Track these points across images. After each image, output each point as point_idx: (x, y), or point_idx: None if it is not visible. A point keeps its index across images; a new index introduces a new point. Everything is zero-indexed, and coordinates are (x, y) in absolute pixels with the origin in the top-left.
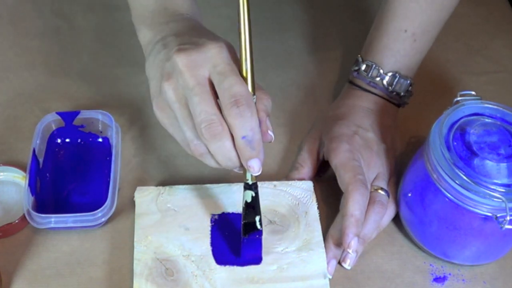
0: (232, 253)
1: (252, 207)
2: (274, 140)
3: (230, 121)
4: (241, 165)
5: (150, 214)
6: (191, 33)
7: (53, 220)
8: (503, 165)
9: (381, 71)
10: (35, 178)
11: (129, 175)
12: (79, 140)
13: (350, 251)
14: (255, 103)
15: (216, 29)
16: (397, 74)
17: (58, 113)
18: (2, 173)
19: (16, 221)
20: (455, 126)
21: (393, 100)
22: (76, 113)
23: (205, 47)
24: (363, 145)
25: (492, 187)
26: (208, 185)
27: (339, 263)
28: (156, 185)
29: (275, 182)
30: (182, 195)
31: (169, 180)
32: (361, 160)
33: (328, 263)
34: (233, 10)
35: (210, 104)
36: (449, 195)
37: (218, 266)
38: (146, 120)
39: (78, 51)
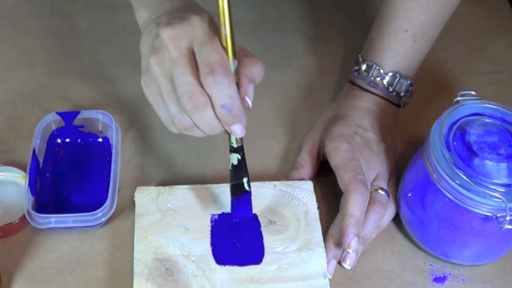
0: (232, 253)
1: (239, 169)
2: (273, 141)
3: (208, 90)
4: (226, 131)
5: (150, 214)
6: (184, 10)
7: (53, 220)
8: (503, 165)
9: (382, 71)
10: (35, 178)
11: (129, 175)
12: (79, 140)
13: (350, 251)
14: (237, 68)
15: None
16: (397, 74)
17: (58, 113)
18: (2, 173)
19: (16, 221)
20: (455, 126)
21: (393, 100)
22: (76, 113)
23: (189, 20)
24: (363, 145)
25: (492, 187)
26: (208, 185)
27: (339, 263)
28: (156, 185)
29: (275, 182)
30: (182, 195)
31: (169, 180)
32: (361, 160)
33: (328, 263)
34: (233, 11)
35: (191, 75)
36: (449, 195)
37: (218, 266)
38: (146, 120)
39: (78, 51)
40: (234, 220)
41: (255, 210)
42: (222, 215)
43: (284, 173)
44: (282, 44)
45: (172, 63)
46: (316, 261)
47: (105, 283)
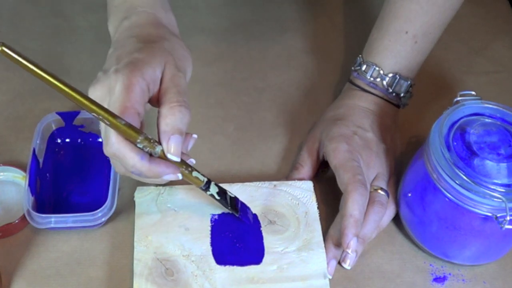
0: (232, 253)
1: (224, 199)
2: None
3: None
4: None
5: (150, 214)
6: (133, 43)
7: (53, 220)
8: (503, 165)
9: (382, 72)
10: (35, 178)
11: None
12: (79, 140)
13: (349, 251)
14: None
15: (216, 29)
16: (397, 75)
17: (58, 113)
18: (2, 173)
19: (16, 221)
20: (455, 126)
21: (393, 101)
22: (76, 113)
23: (109, 83)
24: (363, 146)
25: (492, 187)
26: None
27: (339, 263)
28: (156, 185)
29: (275, 182)
30: (182, 195)
31: None
32: (361, 160)
33: (328, 263)
34: (233, 11)
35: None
36: (449, 195)
37: (218, 266)
38: (145, 120)
39: (78, 51)
40: (235, 220)
41: (255, 210)
42: (222, 215)
43: (284, 173)
44: (282, 44)
45: (100, 126)
46: (316, 261)
47: (105, 283)
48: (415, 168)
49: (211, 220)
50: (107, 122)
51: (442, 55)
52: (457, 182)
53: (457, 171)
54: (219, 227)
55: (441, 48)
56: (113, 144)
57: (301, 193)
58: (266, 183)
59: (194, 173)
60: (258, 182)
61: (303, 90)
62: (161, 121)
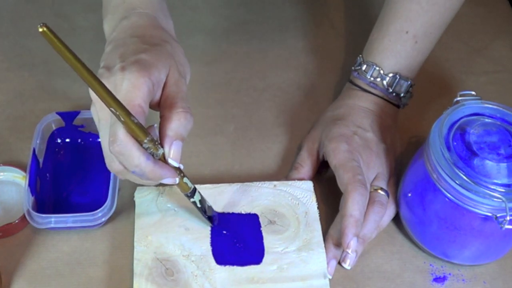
0: (232, 253)
1: (202, 204)
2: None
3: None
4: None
5: (150, 214)
6: (136, 42)
7: (53, 220)
8: (503, 165)
9: (382, 72)
10: (35, 178)
11: None
12: (79, 140)
13: (349, 251)
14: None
15: (215, 29)
16: (397, 75)
17: (58, 113)
18: (2, 173)
19: (16, 221)
20: (455, 126)
21: (393, 101)
22: (76, 113)
23: (114, 79)
24: (363, 145)
25: (492, 187)
26: (208, 185)
27: (339, 263)
28: (156, 185)
29: (275, 182)
30: (182, 195)
31: None
32: (361, 160)
33: (328, 263)
34: (233, 11)
35: (106, 142)
36: (449, 195)
37: (218, 266)
38: (145, 120)
39: (78, 51)
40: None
41: (255, 210)
42: (222, 215)
43: (284, 173)
44: (282, 44)
45: (98, 122)
46: (316, 261)
47: (105, 283)
48: (415, 168)
49: None
50: (122, 119)
51: (442, 55)
52: (457, 182)
53: (457, 171)
54: (219, 227)
55: (441, 48)
56: (121, 141)
57: (301, 193)
58: (266, 183)
59: (185, 179)
60: (258, 182)
61: (303, 90)
62: (166, 126)
